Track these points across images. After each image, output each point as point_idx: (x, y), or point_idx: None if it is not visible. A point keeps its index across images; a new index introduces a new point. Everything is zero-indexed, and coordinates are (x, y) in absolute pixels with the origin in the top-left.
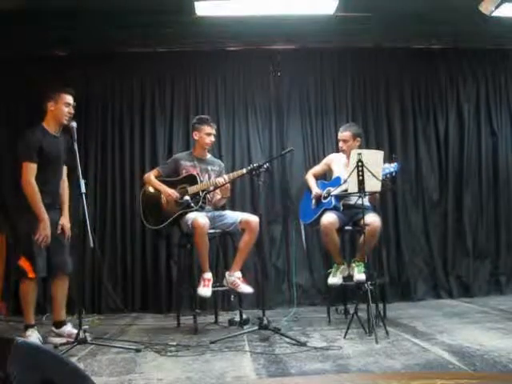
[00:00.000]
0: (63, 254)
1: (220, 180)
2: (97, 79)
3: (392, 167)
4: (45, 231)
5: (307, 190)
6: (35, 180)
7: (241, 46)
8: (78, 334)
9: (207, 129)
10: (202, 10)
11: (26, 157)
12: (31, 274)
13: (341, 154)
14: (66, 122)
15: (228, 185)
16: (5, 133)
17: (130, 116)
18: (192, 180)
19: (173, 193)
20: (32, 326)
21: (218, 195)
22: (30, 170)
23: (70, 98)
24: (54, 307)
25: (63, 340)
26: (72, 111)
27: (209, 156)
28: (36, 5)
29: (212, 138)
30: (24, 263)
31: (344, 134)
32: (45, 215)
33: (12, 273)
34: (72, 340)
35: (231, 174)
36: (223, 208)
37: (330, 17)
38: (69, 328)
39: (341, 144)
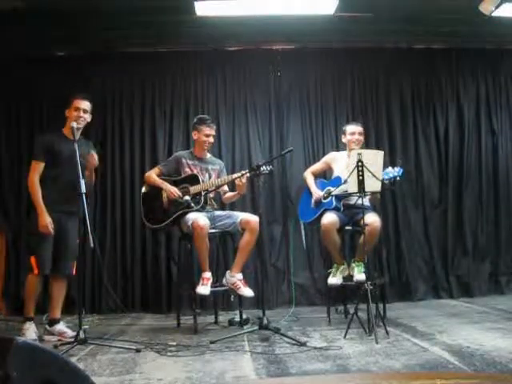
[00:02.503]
0: (66, 257)
1: (220, 180)
2: (97, 79)
3: (396, 172)
4: (43, 222)
5: (306, 189)
6: (45, 180)
7: (241, 45)
8: (77, 333)
9: (206, 130)
10: (202, 10)
11: (34, 156)
12: (36, 271)
13: (341, 153)
14: (77, 125)
15: (244, 181)
16: (5, 133)
17: (129, 116)
18: (193, 180)
19: (175, 191)
20: (30, 320)
21: (223, 193)
22: (35, 168)
23: (79, 103)
24: (50, 305)
25: (54, 338)
26: (81, 115)
27: (209, 156)
28: (36, 5)
29: (211, 139)
30: (32, 260)
31: (358, 127)
32: (43, 209)
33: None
34: (64, 338)
35: (233, 176)
36: (224, 208)
37: (330, 17)
38: (60, 326)
39: (357, 136)
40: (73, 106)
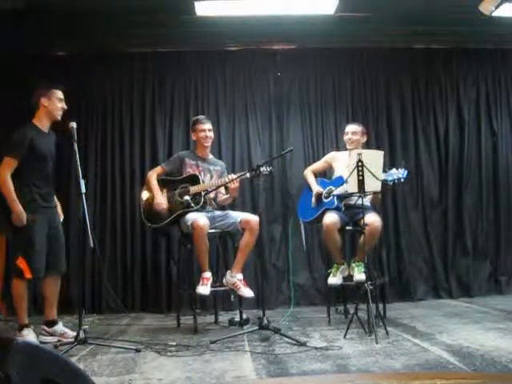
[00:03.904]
0: (59, 253)
1: (220, 180)
2: (97, 79)
3: (400, 173)
4: (18, 222)
5: (306, 188)
6: (28, 177)
7: (241, 45)
8: (77, 333)
9: (201, 126)
10: (202, 10)
11: (10, 151)
12: (28, 275)
13: (343, 152)
14: (59, 118)
15: (236, 185)
16: (4, 133)
17: (130, 116)
18: (194, 180)
19: (160, 204)
20: (27, 326)
21: (221, 194)
22: (10, 164)
23: (60, 93)
24: (45, 306)
25: (54, 338)
26: (65, 106)
27: (211, 156)
28: (36, 5)
29: (207, 134)
30: (21, 263)
31: (353, 126)
32: (18, 207)
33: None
34: (64, 339)
35: (232, 176)
36: (223, 208)
37: (330, 17)
38: (60, 327)
39: (350, 136)
40: (55, 97)
